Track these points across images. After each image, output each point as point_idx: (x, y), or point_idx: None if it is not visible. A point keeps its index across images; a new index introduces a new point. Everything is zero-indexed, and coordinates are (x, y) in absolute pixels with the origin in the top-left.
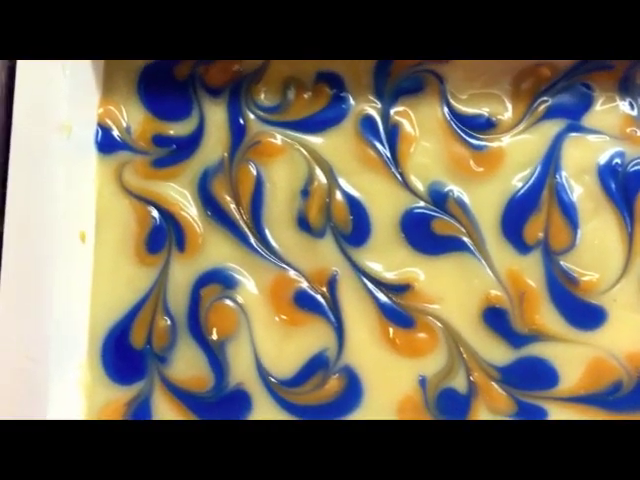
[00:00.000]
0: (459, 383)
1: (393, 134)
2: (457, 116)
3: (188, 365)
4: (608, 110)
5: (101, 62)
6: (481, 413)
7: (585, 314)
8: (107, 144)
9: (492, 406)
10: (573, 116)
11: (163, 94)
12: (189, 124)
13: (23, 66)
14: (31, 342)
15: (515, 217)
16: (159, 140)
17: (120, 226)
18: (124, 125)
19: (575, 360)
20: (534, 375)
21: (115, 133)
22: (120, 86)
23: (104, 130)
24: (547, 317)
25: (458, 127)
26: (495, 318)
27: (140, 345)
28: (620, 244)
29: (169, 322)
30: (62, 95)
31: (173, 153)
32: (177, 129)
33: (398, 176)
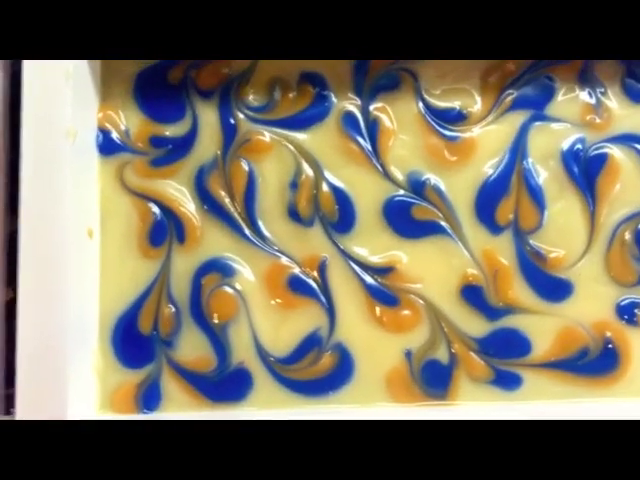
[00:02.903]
0: (441, 355)
1: (373, 129)
2: (431, 110)
3: (193, 348)
4: (569, 100)
5: (98, 70)
6: (462, 381)
7: (553, 288)
8: (108, 146)
9: (471, 374)
10: (537, 106)
11: (158, 98)
12: (183, 125)
13: (28, 76)
14: (48, 332)
15: (487, 201)
16: (156, 141)
17: (124, 222)
18: (123, 128)
19: (546, 330)
20: (509, 345)
21: (115, 136)
22: (117, 92)
23: (104, 133)
24: (519, 291)
25: (432, 120)
26: (472, 294)
27: (147, 331)
28: (583, 223)
29: (173, 309)
30: (66, 103)
31: (170, 153)
32: (172, 130)
33: (379, 167)
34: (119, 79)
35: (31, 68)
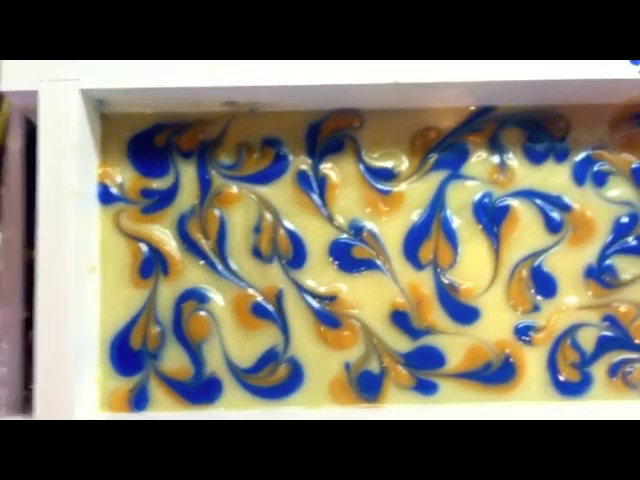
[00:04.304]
0: (374, 366)
1: (322, 184)
2: (369, 169)
3: (174, 360)
4: (480, 162)
5: (99, 135)
6: (390, 388)
7: (464, 313)
8: (106, 197)
9: (398, 382)
10: (454, 167)
11: (147, 157)
12: (168, 180)
13: (43, 144)
14: (59, 347)
15: (413, 243)
16: (145, 193)
17: (119, 259)
18: (119, 182)
19: (458, 347)
20: (428, 358)
21: (112, 189)
22: (114, 153)
23: (103, 187)
24: (437, 316)
25: (370, 177)
26: (399, 318)
27: (138, 347)
28: (489, 260)
29: (159, 329)
30: (73, 167)
31: (156, 202)
32: (159, 184)
33: (326, 215)
34: (115, 142)
35: (45, 136)
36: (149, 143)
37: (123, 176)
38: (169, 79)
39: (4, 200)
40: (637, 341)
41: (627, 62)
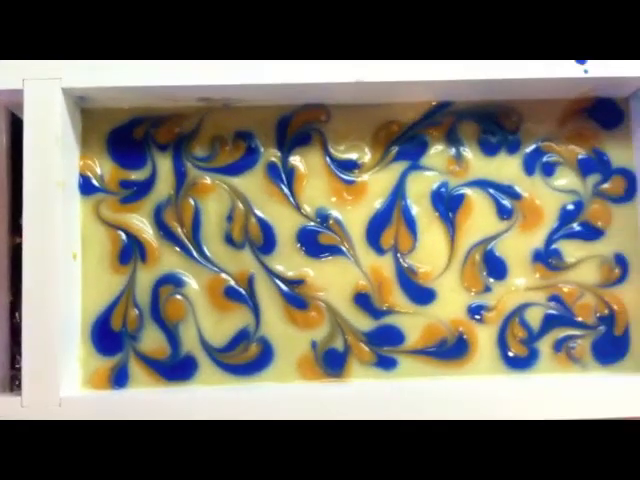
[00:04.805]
0: (338, 344)
1: (290, 175)
2: (334, 160)
3: (152, 341)
4: (438, 153)
5: (80, 129)
6: (353, 364)
7: (422, 294)
8: (87, 188)
9: (360, 359)
10: (414, 158)
11: (125, 150)
12: (145, 171)
13: (27, 138)
14: (44, 330)
15: (375, 230)
16: (124, 184)
17: (99, 247)
18: (99, 174)
19: (415, 326)
20: (388, 336)
21: (92, 180)
22: (94, 146)
23: (84, 178)
24: (397, 297)
25: (335, 168)
26: (362, 300)
27: (118, 328)
28: (445, 246)
29: (137, 312)
30: (57, 159)
31: (135, 193)
32: (137, 175)
33: (294, 204)
34: (95, 136)
35: (29, 131)
36: (127, 136)
37: (103, 168)
38: (146, 78)
39: None
40: (580, 319)
41: (573, 62)
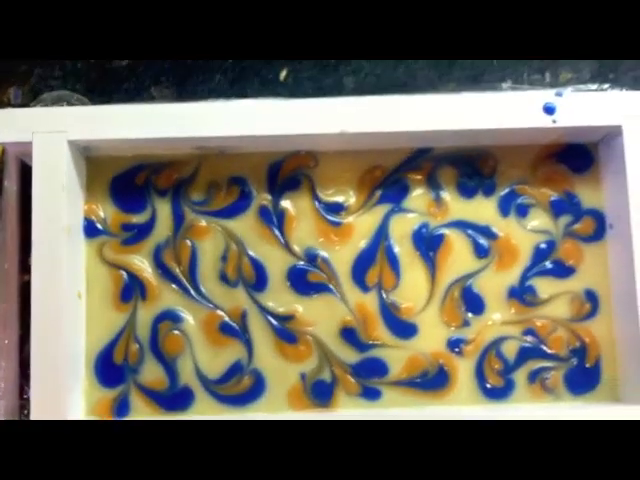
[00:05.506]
0: (326, 376)
1: (281, 217)
2: (322, 203)
3: (152, 373)
4: (418, 196)
5: (84, 176)
6: (340, 394)
7: (404, 329)
8: (91, 231)
9: (347, 390)
10: (396, 201)
11: (127, 195)
12: (145, 215)
13: (36, 186)
14: (51, 364)
15: (360, 268)
16: (125, 227)
17: (103, 286)
18: (102, 217)
19: (399, 358)
20: (373, 369)
21: (96, 223)
22: (98, 191)
23: (89, 222)
24: (381, 332)
25: (323, 211)
26: (348, 334)
27: (120, 362)
28: (426, 283)
29: (138, 346)
30: (63, 206)
31: (135, 235)
32: (137, 219)
33: (285, 245)
34: (99, 182)
35: (38, 180)
36: (129, 182)
37: (106, 212)
38: (146, 130)
39: (1, 234)
40: (553, 351)
41: (542, 113)
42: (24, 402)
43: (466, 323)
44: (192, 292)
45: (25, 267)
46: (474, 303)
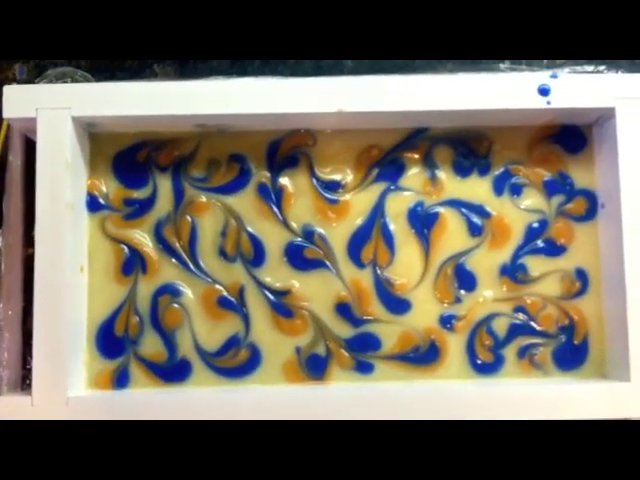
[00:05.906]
0: (320, 350)
1: (279, 194)
2: (320, 181)
3: (151, 346)
4: (414, 175)
5: (88, 152)
6: (334, 368)
7: (398, 305)
8: (94, 206)
9: (341, 363)
10: (392, 180)
11: (129, 171)
12: (147, 191)
13: (41, 163)
14: (53, 336)
15: (356, 245)
16: (127, 202)
17: (104, 259)
18: (104, 193)
19: (391, 333)
20: (366, 343)
21: (99, 198)
22: (101, 167)
23: (91, 197)
24: (375, 307)
25: (320, 188)
26: (343, 309)
27: (120, 334)
28: (420, 260)
29: (138, 319)
30: (67, 181)
31: (137, 210)
32: (139, 194)
33: (283, 221)
34: (102, 158)
35: (42, 155)
36: (131, 159)
37: (108, 187)
38: (148, 107)
39: (6, 207)
40: (542, 328)
41: (537, 94)
42: (26, 372)
43: (458, 300)
44: (191, 267)
45: (29, 240)
46: (466, 280)
